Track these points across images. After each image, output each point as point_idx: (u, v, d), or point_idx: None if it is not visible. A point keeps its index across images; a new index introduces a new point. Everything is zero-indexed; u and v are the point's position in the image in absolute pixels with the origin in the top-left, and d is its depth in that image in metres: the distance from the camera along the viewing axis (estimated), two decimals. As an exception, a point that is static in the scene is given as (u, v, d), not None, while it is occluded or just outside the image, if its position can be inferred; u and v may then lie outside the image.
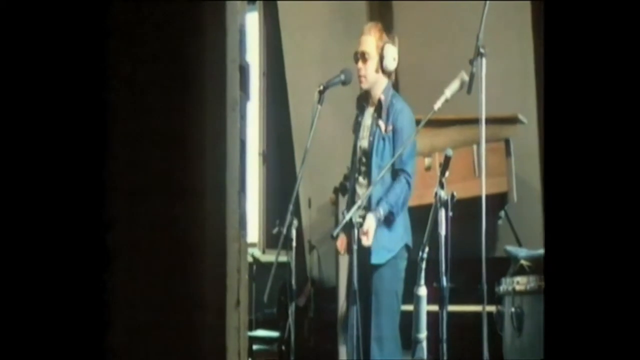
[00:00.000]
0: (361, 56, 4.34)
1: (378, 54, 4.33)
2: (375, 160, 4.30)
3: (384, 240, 4.27)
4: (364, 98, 4.50)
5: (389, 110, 4.32)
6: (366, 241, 4.14)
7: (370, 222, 4.16)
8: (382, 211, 4.18)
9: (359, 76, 4.34)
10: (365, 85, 4.38)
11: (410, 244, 4.34)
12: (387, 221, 4.25)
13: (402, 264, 4.32)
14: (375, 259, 4.26)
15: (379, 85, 4.38)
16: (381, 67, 4.34)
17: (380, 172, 4.06)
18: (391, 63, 4.36)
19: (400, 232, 4.33)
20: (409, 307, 3.65)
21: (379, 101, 4.36)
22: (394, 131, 4.29)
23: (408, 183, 4.26)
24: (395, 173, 4.25)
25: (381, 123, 4.32)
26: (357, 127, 4.49)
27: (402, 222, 4.34)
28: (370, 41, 4.34)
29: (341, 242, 4.49)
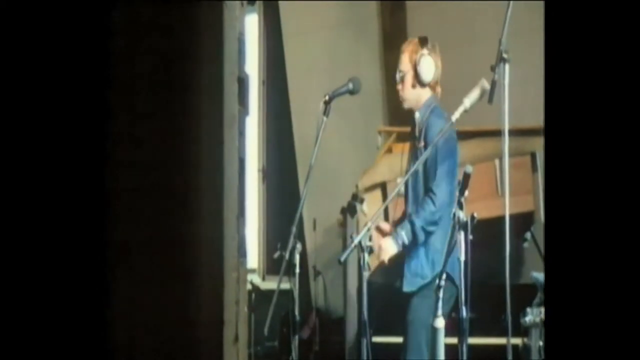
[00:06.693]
0: (400, 78, 4.44)
1: (412, 68, 4.38)
2: (410, 182, 4.35)
3: (418, 267, 4.29)
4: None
5: (423, 126, 4.38)
6: (382, 255, 4.21)
7: (389, 245, 4.21)
8: (404, 235, 4.22)
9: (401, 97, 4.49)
10: (406, 105, 4.49)
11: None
12: (415, 244, 4.27)
13: None
14: (406, 286, 4.28)
15: (419, 102, 4.46)
16: (417, 81, 4.39)
17: (416, 193, 4.32)
18: (426, 74, 4.40)
19: (437, 258, 4.33)
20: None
21: (414, 119, 4.46)
22: (426, 148, 4.32)
23: (433, 203, 4.27)
24: (425, 192, 4.31)
25: (416, 142, 4.38)
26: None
27: (440, 247, 4.33)
28: (404, 58, 4.46)
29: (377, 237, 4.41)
